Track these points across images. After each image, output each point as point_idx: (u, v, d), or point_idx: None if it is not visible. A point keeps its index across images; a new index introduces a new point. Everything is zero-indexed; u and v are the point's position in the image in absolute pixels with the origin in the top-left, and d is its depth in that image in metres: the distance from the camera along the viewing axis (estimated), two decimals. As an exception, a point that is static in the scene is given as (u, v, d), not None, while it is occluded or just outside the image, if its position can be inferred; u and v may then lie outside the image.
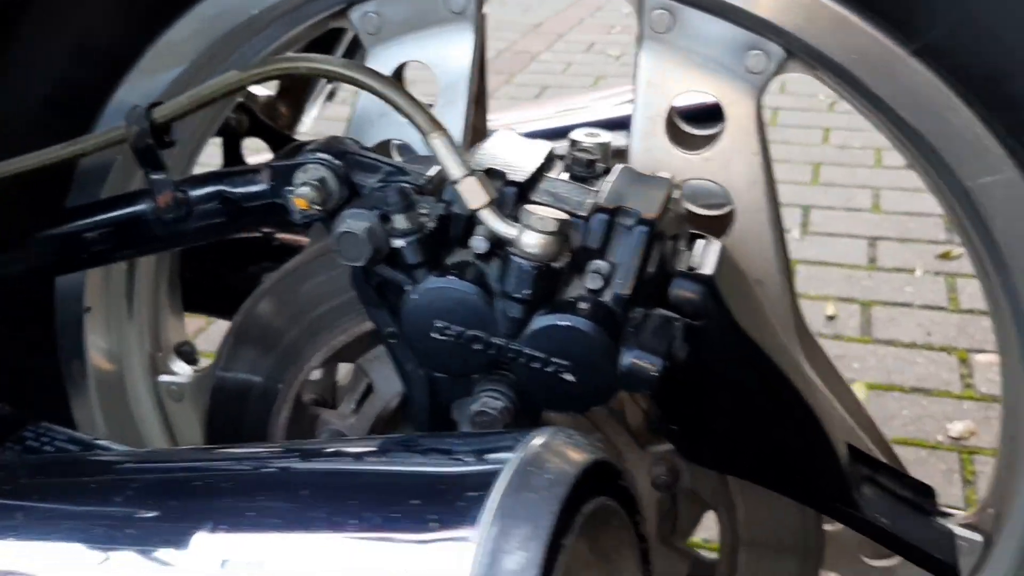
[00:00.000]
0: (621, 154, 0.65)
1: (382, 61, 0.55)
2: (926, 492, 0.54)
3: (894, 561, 0.64)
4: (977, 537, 0.62)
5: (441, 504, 0.31)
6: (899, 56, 0.46)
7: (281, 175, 0.49)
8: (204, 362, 0.76)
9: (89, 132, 0.58)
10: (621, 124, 0.64)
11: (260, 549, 0.34)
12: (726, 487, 0.54)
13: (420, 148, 0.55)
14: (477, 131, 0.59)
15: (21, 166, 0.54)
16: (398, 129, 0.56)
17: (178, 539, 0.39)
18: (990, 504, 0.62)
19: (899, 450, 1.22)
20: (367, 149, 0.50)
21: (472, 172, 0.43)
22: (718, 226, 0.56)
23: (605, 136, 0.59)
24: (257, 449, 0.44)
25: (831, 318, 1.78)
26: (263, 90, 0.88)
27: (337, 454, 0.39)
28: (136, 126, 0.50)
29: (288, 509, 0.35)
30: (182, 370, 0.74)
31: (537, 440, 0.34)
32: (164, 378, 0.73)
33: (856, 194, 2.22)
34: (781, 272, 0.55)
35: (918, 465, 1.39)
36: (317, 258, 0.55)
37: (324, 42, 0.78)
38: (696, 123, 0.56)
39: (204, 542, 0.38)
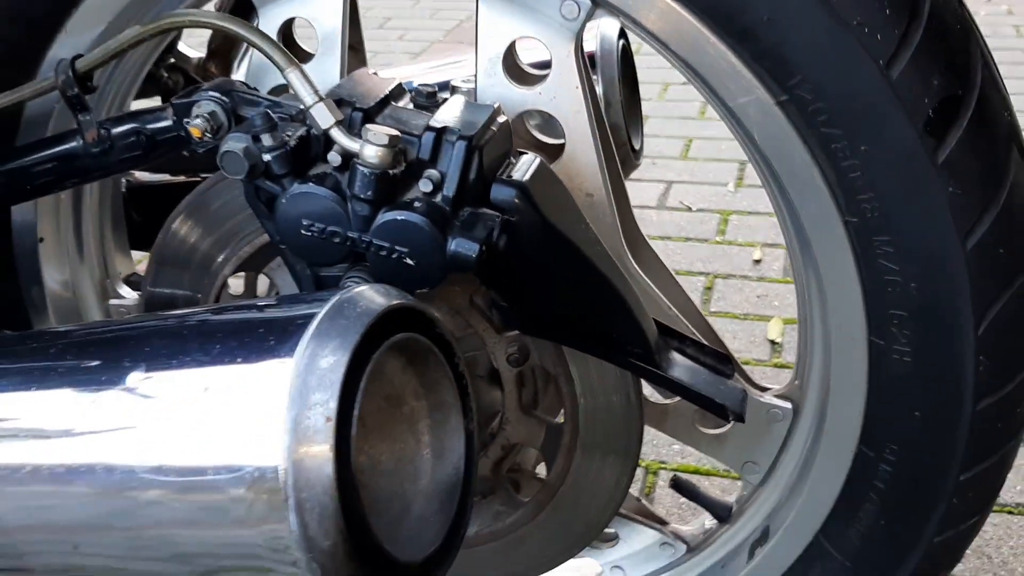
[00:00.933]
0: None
1: (270, 18, 0.67)
2: (725, 359, 0.66)
3: (724, 428, 0.77)
4: (788, 405, 0.74)
5: (278, 331, 0.43)
6: (669, 5, 0.58)
7: (182, 111, 0.60)
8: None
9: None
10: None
11: (137, 379, 0.45)
12: (563, 359, 0.66)
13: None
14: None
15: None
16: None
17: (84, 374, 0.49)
18: (795, 378, 0.74)
19: None
20: (253, 89, 0.62)
21: (321, 99, 0.55)
22: (557, 149, 0.68)
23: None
24: (145, 319, 0.55)
25: (757, 262, 1.90)
26: (195, 52, 0.99)
27: (198, 313, 0.51)
28: (63, 75, 0.62)
29: (157, 350, 0.46)
30: (128, 294, 0.86)
31: (355, 289, 0.46)
32: (113, 301, 0.85)
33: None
34: (608, 186, 0.67)
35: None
36: (218, 183, 0.66)
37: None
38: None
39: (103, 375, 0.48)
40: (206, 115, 0.59)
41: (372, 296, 0.46)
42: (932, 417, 0.64)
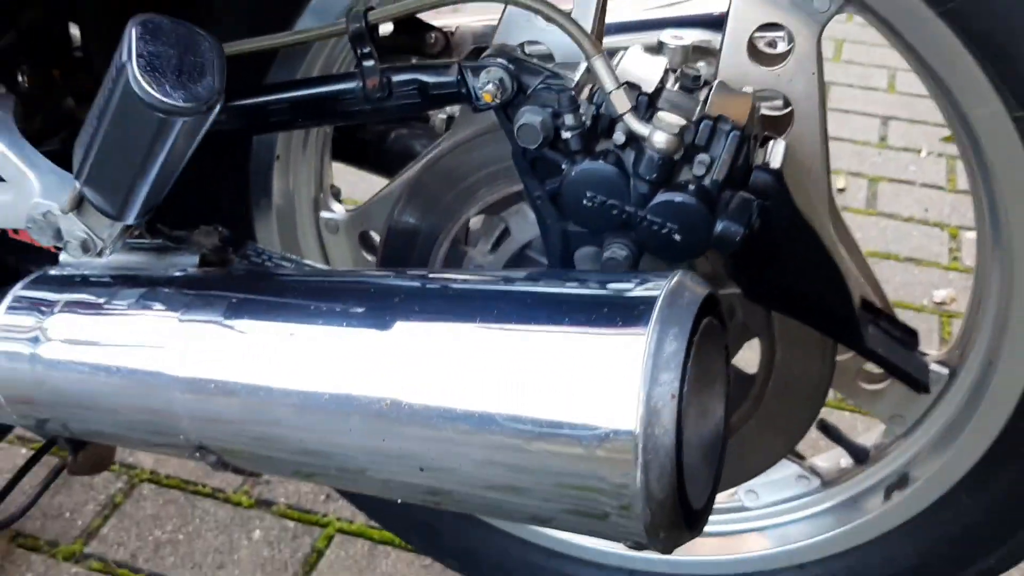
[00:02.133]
0: (702, 49, 0.82)
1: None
2: (912, 334, 0.74)
3: (881, 385, 0.85)
4: (945, 370, 0.83)
5: (622, 310, 0.50)
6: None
7: (469, 72, 0.66)
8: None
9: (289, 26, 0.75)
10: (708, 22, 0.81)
11: (496, 335, 0.53)
12: (770, 322, 0.74)
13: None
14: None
15: (258, 45, 0.70)
16: (538, 33, 0.73)
17: (384, 323, 0.57)
18: (956, 347, 0.83)
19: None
20: (528, 55, 0.68)
21: (620, 85, 0.61)
22: (781, 124, 0.74)
23: (687, 38, 0.76)
24: (453, 275, 0.63)
25: (841, 190, 1.96)
26: None
27: (539, 278, 0.58)
28: (356, 23, 0.67)
29: (508, 311, 0.54)
30: (337, 209, 0.93)
31: (678, 276, 0.53)
32: (324, 214, 0.92)
33: (873, 73, 2.36)
34: (823, 163, 0.73)
35: (904, 324, 1.60)
36: (475, 137, 0.73)
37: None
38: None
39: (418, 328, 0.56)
40: (496, 81, 0.65)
41: (693, 286, 0.53)
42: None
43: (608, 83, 0.60)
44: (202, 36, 0.58)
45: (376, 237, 0.91)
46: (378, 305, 0.58)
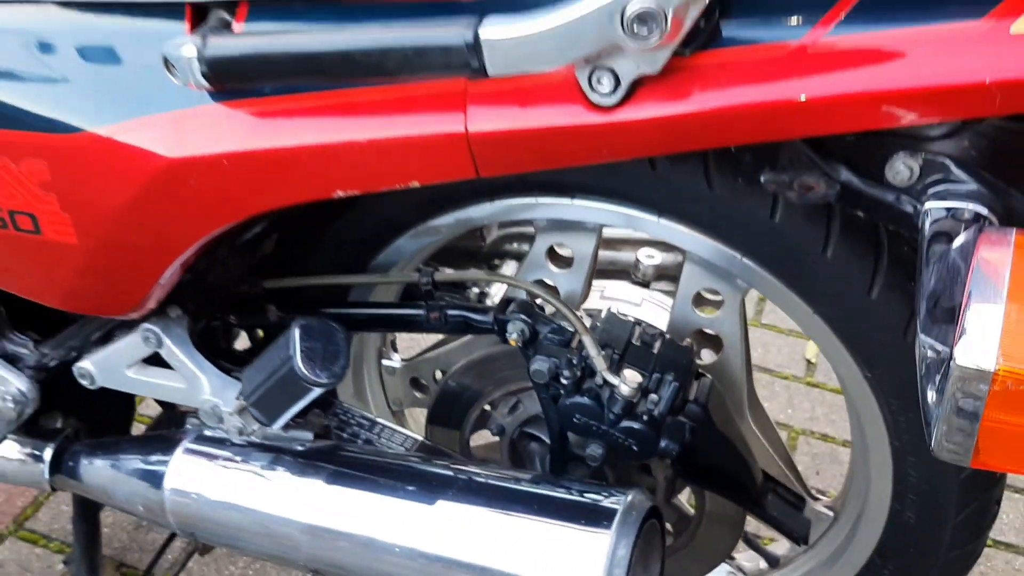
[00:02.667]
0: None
1: (545, 241, 1.02)
2: (801, 498, 1.06)
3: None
4: (831, 512, 1.14)
5: (595, 514, 0.82)
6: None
7: (500, 320, 0.97)
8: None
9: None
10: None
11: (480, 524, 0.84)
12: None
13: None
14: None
15: (352, 280, 1.02)
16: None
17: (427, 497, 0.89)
18: (839, 498, 1.14)
19: (835, 398, 1.79)
20: (540, 309, 0.99)
21: (600, 353, 0.92)
22: (716, 342, 1.05)
23: (657, 257, 1.08)
24: (478, 469, 0.95)
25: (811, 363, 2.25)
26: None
27: (529, 480, 0.90)
28: (426, 279, 0.99)
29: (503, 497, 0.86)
30: (394, 358, 1.25)
31: (632, 491, 0.85)
32: (385, 362, 1.24)
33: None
34: (744, 375, 1.05)
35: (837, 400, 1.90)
36: (500, 353, 1.05)
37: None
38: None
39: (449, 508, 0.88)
40: (519, 331, 0.96)
41: (641, 502, 0.85)
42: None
43: (593, 352, 0.92)
44: (337, 329, 0.90)
45: (422, 382, 1.23)
46: (437, 485, 0.90)
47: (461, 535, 0.87)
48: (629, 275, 1.16)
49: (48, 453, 1.13)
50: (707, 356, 1.06)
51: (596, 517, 0.83)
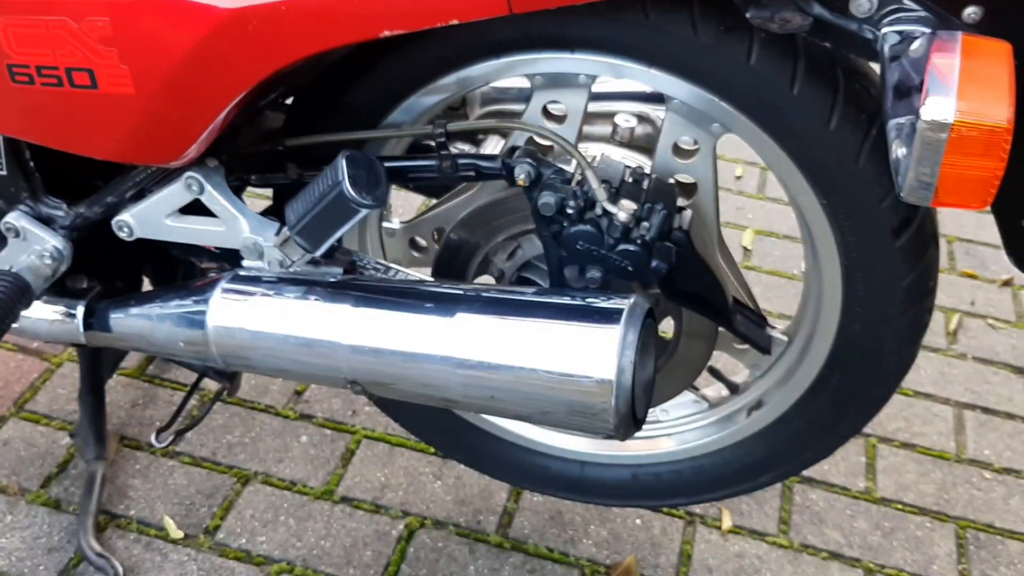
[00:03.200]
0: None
1: (540, 100, 1.15)
2: (763, 318, 1.23)
3: (746, 347, 1.34)
4: (785, 338, 1.32)
5: (605, 314, 0.97)
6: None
7: (508, 163, 1.10)
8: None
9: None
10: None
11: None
12: (680, 310, 1.22)
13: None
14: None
15: (370, 135, 1.13)
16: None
17: (455, 312, 1.03)
18: (793, 324, 1.32)
19: (769, 279, 2.01)
20: (543, 154, 1.12)
21: (600, 184, 1.06)
22: (691, 189, 1.20)
23: (633, 121, 1.22)
24: (495, 287, 1.08)
25: (738, 177, 2.45)
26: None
27: (540, 293, 1.04)
28: (440, 130, 1.10)
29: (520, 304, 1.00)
30: (394, 221, 1.36)
31: (634, 297, 1.00)
32: (385, 224, 1.36)
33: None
34: (715, 215, 1.20)
35: (779, 288, 2.11)
36: (501, 200, 1.18)
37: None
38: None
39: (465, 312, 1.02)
40: (525, 173, 1.09)
41: (642, 302, 1.00)
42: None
43: (595, 184, 1.06)
44: (374, 161, 1.01)
45: (420, 242, 1.35)
46: (463, 302, 1.04)
47: (489, 341, 1.00)
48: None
49: (80, 310, 1.23)
50: (682, 202, 1.21)
51: (606, 314, 0.98)
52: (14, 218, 1.19)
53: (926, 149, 0.67)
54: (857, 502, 1.68)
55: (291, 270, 1.09)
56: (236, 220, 1.09)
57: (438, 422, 1.45)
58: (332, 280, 1.09)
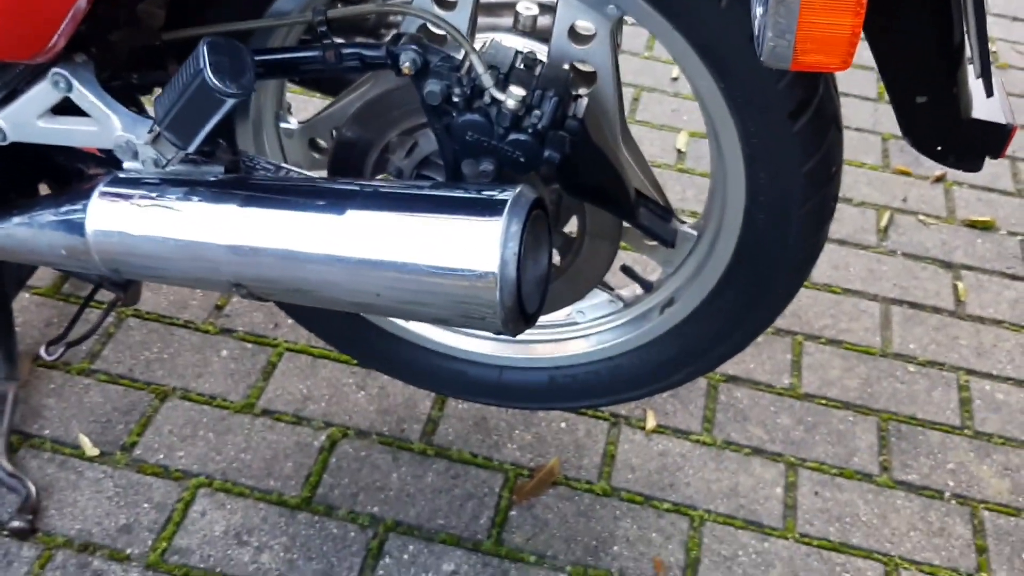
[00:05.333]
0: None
1: (434, -12, 1.10)
2: (669, 211, 1.20)
3: (656, 242, 1.32)
4: (694, 232, 1.30)
5: (490, 205, 0.94)
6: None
7: (393, 52, 1.05)
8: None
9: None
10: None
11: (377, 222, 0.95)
12: (583, 206, 1.19)
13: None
14: None
15: (247, 26, 1.08)
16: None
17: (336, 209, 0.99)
18: (701, 218, 1.29)
19: (703, 180, 1.99)
20: (435, 45, 1.07)
21: (487, 70, 1.02)
22: (589, 78, 1.16)
23: (534, 8, 1.17)
24: (382, 182, 1.05)
25: (675, 79, 2.40)
26: None
27: (429, 187, 1.01)
28: (320, 17, 1.05)
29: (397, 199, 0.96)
30: (292, 121, 1.31)
31: (520, 188, 0.96)
32: (282, 125, 1.31)
33: None
34: (616, 104, 1.16)
35: (704, 182, 2.08)
36: (391, 92, 1.13)
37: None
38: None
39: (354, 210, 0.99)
40: (411, 60, 1.04)
41: (528, 192, 0.97)
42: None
43: (480, 70, 1.02)
44: (240, 47, 0.96)
45: (320, 143, 1.31)
46: (343, 197, 1.00)
47: (370, 237, 0.97)
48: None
49: (-49, 224, 1.18)
50: (582, 91, 1.17)
51: (490, 206, 0.95)
52: None
53: (780, 7, 0.64)
54: (781, 399, 1.69)
55: (168, 170, 1.04)
56: (108, 118, 1.04)
57: (354, 331, 1.43)
58: (213, 179, 1.05)
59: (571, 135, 1.06)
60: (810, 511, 1.52)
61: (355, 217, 0.97)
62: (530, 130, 1.04)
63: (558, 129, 1.06)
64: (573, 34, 1.12)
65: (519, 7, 1.25)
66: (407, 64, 1.05)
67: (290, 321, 1.72)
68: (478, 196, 0.97)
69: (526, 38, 1.24)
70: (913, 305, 1.89)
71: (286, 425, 1.56)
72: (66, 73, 1.03)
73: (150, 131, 1.02)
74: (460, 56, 1.07)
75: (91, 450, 1.49)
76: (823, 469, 1.58)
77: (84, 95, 1.03)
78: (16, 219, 1.14)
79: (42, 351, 1.34)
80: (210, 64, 0.93)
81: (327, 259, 0.98)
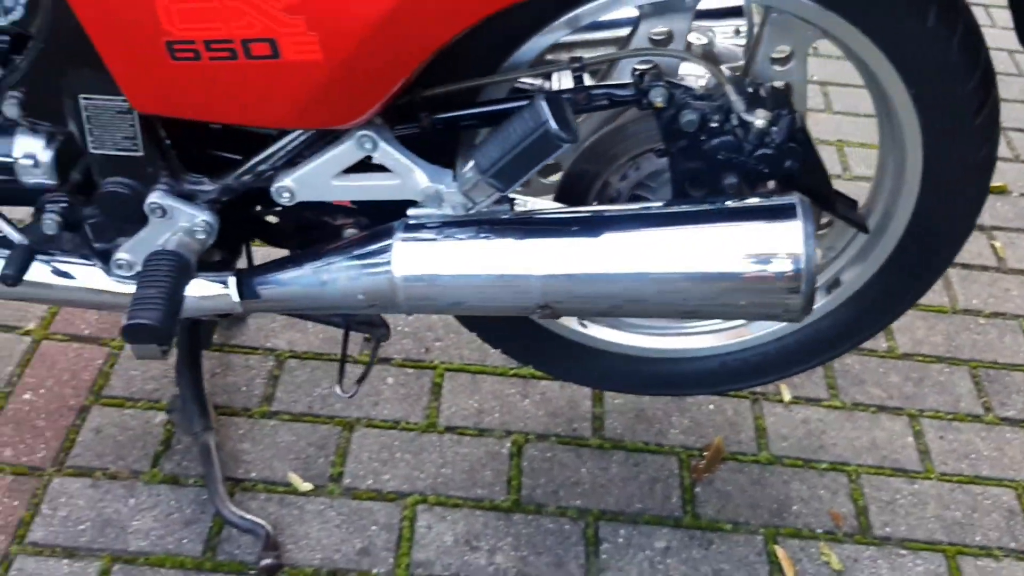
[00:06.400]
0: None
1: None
2: (854, 204, 1.38)
3: (824, 231, 1.50)
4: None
5: (780, 212, 1.10)
6: None
7: (642, 89, 1.20)
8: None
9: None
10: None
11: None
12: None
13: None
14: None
15: (500, 79, 1.20)
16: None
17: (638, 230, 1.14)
18: (866, 203, 1.48)
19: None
20: (677, 81, 1.22)
21: (745, 100, 1.17)
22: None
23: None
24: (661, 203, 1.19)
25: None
26: None
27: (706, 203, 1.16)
28: (574, 63, 1.19)
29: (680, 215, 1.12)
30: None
31: (796, 194, 1.13)
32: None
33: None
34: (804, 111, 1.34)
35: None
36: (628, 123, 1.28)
37: None
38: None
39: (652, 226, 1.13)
40: (659, 96, 1.19)
41: (804, 198, 1.13)
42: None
43: (734, 97, 1.17)
44: (560, 98, 1.09)
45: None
46: (640, 220, 1.14)
47: (678, 251, 1.12)
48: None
49: (232, 280, 1.26)
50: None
51: (781, 212, 1.11)
52: (158, 197, 1.21)
53: None
54: (885, 360, 1.90)
55: (470, 212, 1.16)
56: (411, 172, 1.15)
57: (541, 345, 1.55)
58: (507, 216, 1.17)
59: (801, 145, 1.23)
60: (941, 453, 1.73)
61: (660, 235, 1.12)
62: (772, 145, 1.20)
63: (791, 142, 1.22)
64: (773, 61, 1.29)
65: (691, 38, 1.41)
66: (659, 99, 1.19)
67: (438, 343, 1.83)
68: (768, 205, 1.13)
69: (704, 63, 1.40)
70: (965, 266, 2.13)
71: (471, 438, 1.68)
72: (373, 134, 1.13)
73: (457, 179, 1.14)
74: (694, 85, 1.22)
75: (303, 485, 1.57)
76: (939, 416, 1.80)
77: (389, 152, 1.14)
78: (297, 272, 1.23)
79: (337, 390, 1.42)
80: (552, 115, 1.05)
81: (640, 276, 1.12)
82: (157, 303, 1.12)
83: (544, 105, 1.06)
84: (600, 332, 1.53)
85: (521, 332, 1.45)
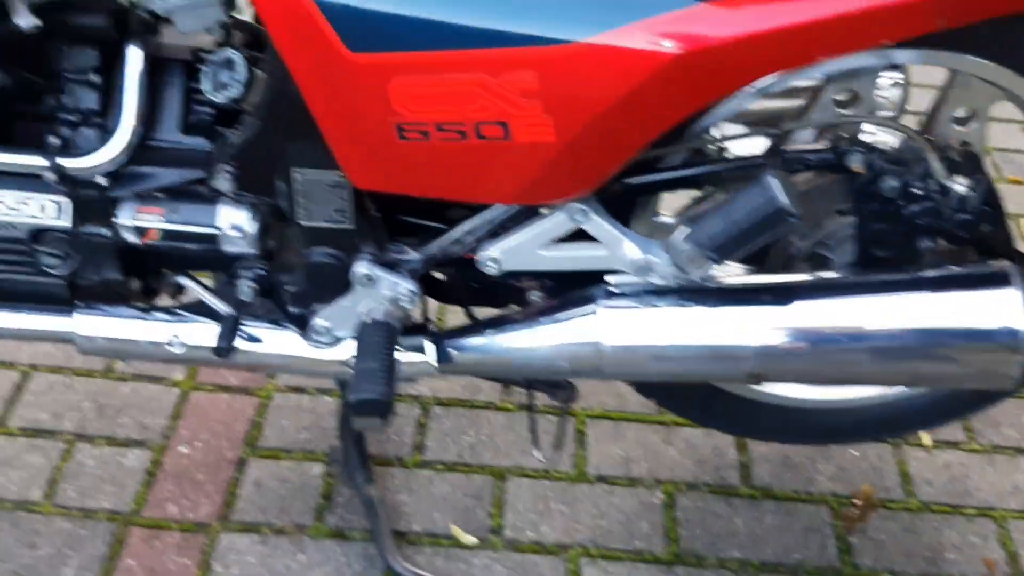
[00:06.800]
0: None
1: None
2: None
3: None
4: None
5: (996, 280, 1.11)
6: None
7: (840, 154, 1.21)
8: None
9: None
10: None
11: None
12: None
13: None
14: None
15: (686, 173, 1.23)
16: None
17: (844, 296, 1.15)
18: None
19: None
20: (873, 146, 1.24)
21: (942, 164, 1.19)
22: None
23: None
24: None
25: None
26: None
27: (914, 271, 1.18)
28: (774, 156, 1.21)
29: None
30: (663, 216, 1.46)
31: (1006, 262, 1.14)
32: (656, 219, 1.45)
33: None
34: (981, 174, 1.35)
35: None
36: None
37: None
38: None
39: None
40: (860, 162, 1.21)
41: (1013, 265, 1.15)
42: None
43: (936, 165, 1.19)
44: (780, 173, 1.11)
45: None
46: (850, 289, 1.16)
47: (899, 320, 1.13)
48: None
49: (428, 345, 1.28)
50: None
51: (994, 280, 1.13)
52: (365, 267, 1.23)
53: None
54: (1019, 401, 1.90)
55: (679, 281, 1.18)
56: (620, 243, 1.17)
57: (708, 401, 1.56)
58: (712, 284, 1.19)
59: (995, 209, 1.24)
60: (1086, 496, 1.74)
61: (878, 303, 1.13)
62: (970, 210, 1.22)
63: (986, 205, 1.24)
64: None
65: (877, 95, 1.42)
66: (857, 163, 1.21)
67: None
68: (980, 273, 1.14)
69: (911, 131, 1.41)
70: None
71: (622, 488, 1.69)
72: (586, 207, 1.16)
73: (669, 251, 1.16)
74: (888, 149, 1.24)
75: (467, 538, 1.59)
76: (1081, 458, 1.80)
77: (601, 225, 1.16)
78: (498, 338, 1.25)
79: (536, 454, 1.44)
80: (783, 192, 1.07)
81: (857, 345, 1.13)
82: (380, 377, 1.14)
83: (775, 182, 1.08)
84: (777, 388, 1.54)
85: (699, 395, 1.47)
